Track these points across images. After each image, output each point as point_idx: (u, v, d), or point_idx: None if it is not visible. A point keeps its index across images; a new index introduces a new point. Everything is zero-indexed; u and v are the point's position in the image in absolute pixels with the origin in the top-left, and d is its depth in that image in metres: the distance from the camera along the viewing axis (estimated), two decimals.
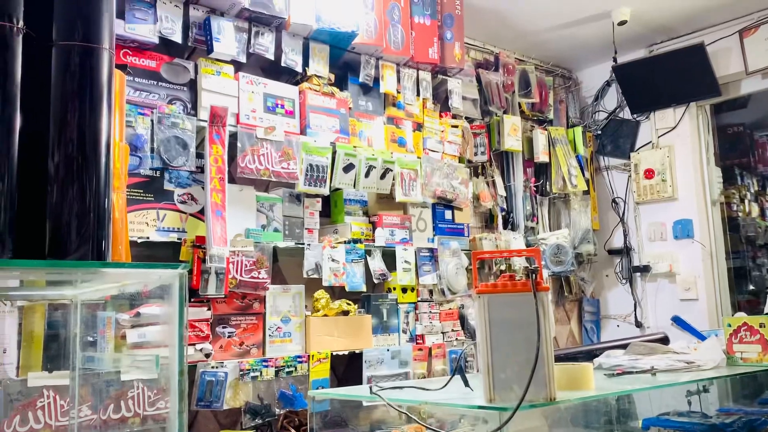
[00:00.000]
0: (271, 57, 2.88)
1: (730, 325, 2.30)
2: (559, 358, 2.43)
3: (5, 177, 1.02)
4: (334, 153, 2.99)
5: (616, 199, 4.56)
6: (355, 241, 3.03)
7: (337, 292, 3.03)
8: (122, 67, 2.38)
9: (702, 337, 2.52)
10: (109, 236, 1.10)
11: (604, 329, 4.55)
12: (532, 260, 1.60)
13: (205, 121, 2.61)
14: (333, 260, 2.91)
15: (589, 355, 2.42)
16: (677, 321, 2.67)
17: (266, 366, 2.62)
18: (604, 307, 4.59)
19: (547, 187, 4.25)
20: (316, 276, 2.87)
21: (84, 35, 1.12)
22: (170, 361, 1.10)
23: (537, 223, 4.15)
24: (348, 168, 3.04)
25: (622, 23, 3.89)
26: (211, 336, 2.52)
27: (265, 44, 2.86)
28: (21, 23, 1.08)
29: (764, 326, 2.22)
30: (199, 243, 2.52)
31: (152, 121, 2.48)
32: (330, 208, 3.19)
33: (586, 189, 4.40)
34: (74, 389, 1.68)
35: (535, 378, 1.49)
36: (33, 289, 1.64)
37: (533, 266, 1.56)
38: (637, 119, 4.49)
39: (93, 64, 1.12)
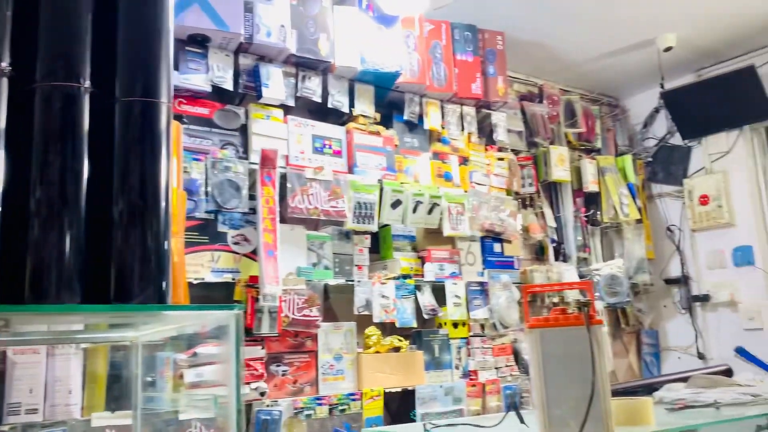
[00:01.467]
0: (318, 99, 2.96)
1: None
2: (617, 393, 2.37)
3: (74, 224, 1.09)
4: (381, 190, 3.03)
5: (671, 227, 4.45)
6: (405, 277, 3.04)
7: (388, 329, 3.03)
8: (178, 117, 2.49)
9: None
10: (169, 280, 1.15)
11: (664, 361, 4.40)
12: (585, 293, 1.59)
13: (256, 164, 2.70)
14: (383, 296, 2.93)
15: (649, 389, 2.36)
16: (741, 352, 2.58)
17: (320, 404, 2.63)
18: (664, 339, 4.44)
19: (599, 216, 4.18)
20: (366, 312, 2.89)
21: (144, 91, 1.20)
22: (228, 400, 1.13)
23: (589, 253, 4.08)
24: (395, 204, 3.07)
25: (667, 49, 3.85)
26: (265, 374, 2.56)
27: (312, 87, 2.95)
28: (87, 83, 1.16)
29: None
30: (252, 283, 2.58)
31: (206, 166, 2.57)
32: (379, 245, 3.22)
33: (639, 217, 4.31)
34: (136, 430, 1.73)
35: (592, 414, 1.46)
36: (97, 332, 1.71)
37: (585, 299, 1.54)
38: (689, 145, 4.39)
39: (152, 117, 1.19)
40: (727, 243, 4.16)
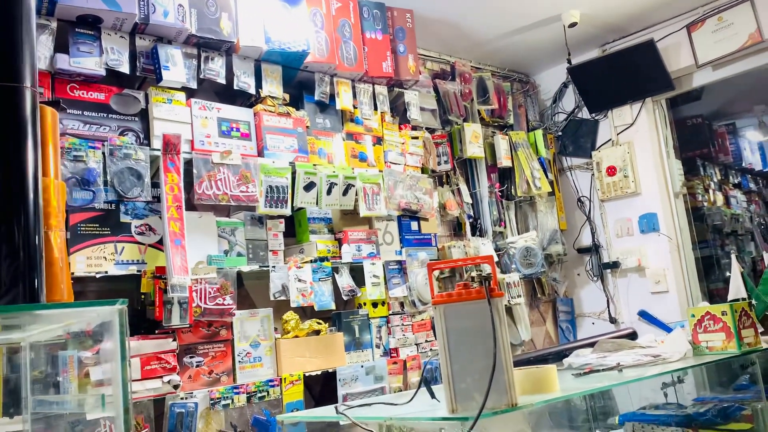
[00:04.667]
0: (223, 81, 2.86)
1: (693, 316, 2.32)
2: (529, 361, 2.44)
3: None
4: (293, 173, 2.98)
5: (581, 198, 4.61)
6: (322, 260, 3.01)
7: (308, 313, 3.01)
8: (55, 103, 2.31)
9: (668, 330, 2.55)
10: (41, 276, 1.08)
11: (579, 327, 4.58)
12: (486, 267, 1.61)
13: (159, 150, 2.59)
14: (299, 280, 2.90)
15: (560, 356, 2.43)
16: (643, 315, 2.70)
17: (237, 393, 2.59)
18: (578, 306, 4.62)
19: (512, 191, 4.27)
20: (283, 298, 2.85)
21: (2, 75, 1.10)
22: (114, 399, 1.07)
23: (505, 227, 4.17)
24: (309, 186, 3.03)
25: (572, 25, 3.94)
26: (178, 367, 2.48)
27: (216, 69, 2.84)
28: None
29: (726, 314, 2.24)
30: (160, 273, 2.49)
31: (104, 153, 2.45)
32: (294, 228, 3.17)
33: (551, 190, 4.43)
34: None
35: (495, 385, 1.48)
36: None
37: (486, 273, 1.56)
38: (596, 118, 4.55)
39: (14, 103, 1.10)
40: (634, 211, 4.35)
